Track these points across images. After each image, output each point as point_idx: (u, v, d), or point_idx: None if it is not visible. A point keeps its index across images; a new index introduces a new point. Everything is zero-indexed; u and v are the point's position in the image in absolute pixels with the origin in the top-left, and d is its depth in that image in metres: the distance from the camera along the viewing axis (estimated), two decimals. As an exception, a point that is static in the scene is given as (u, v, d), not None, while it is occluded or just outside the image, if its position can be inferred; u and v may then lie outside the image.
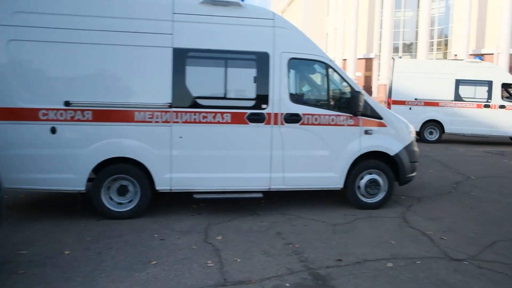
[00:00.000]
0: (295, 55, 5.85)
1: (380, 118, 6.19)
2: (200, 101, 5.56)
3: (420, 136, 15.40)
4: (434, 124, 15.45)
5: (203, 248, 4.58)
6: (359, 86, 6.19)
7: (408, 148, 6.36)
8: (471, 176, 8.97)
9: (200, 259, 4.26)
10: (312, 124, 5.90)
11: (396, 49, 36.64)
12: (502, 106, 14.93)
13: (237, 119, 5.64)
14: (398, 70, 16.02)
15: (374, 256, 4.46)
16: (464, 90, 15.19)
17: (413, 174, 6.58)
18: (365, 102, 6.05)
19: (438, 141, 15.32)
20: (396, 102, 15.86)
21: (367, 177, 6.22)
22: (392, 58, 17.32)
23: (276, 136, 5.77)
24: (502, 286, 3.84)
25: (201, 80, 5.64)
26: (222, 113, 5.59)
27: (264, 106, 5.71)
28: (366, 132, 6.12)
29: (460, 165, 10.33)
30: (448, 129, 15.43)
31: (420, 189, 7.67)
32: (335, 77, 6.24)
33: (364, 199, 6.25)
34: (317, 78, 6.65)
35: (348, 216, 5.90)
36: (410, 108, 15.63)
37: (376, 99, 6.75)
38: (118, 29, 5.32)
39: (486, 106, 15.02)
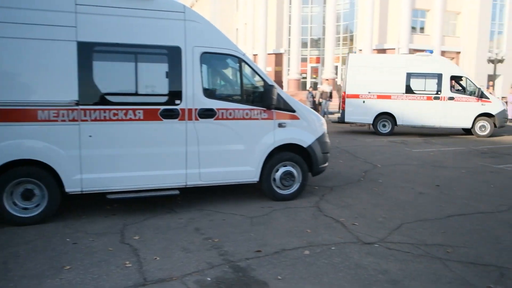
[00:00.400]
0: (207, 49, 5.91)
1: (293, 111, 6.45)
2: (110, 98, 5.43)
3: (374, 129, 16.45)
4: (387, 116, 16.21)
5: (120, 249, 4.51)
6: (271, 80, 6.40)
7: (320, 140, 6.70)
8: (378, 165, 9.65)
9: (118, 260, 4.20)
10: (227, 118, 6.01)
11: (304, 44, 38.00)
12: (451, 98, 15.69)
13: (150, 116, 5.59)
14: (352, 65, 16.79)
15: (291, 245, 4.68)
16: (415, 83, 15.98)
17: (326, 165, 6.95)
18: (278, 95, 6.26)
19: (391, 133, 16.16)
20: (350, 96, 16.61)
21: (282, 169, 6.47)
22: (348, 53, 18.12)
23: (191, 132, 5.81)
24: (409, 264, 4.22)
25: (110, 76, 5.51)
26: (134, 110, 5.51)
27: (177, 101, 5.72)
28: (280, 125, 6.35)
29: (367, 155, 11.06)
30: (400, 121, 16.18)
31: (332, 178, 8.12)
32: (248, 71, 6.40)
33: (279, 191, 6.49)
34: (230, 72, 6.77)
35: (265, 208, 6.11)
36: (363, 102, 16.40)
37: (287, 93, 7.02)
38: (15, 21, 5.01)
39: (436, 98, 15.77)
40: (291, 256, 4.38)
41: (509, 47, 36.45)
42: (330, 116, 22.97)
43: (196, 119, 5.82)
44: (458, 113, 15.75)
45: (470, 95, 15.83)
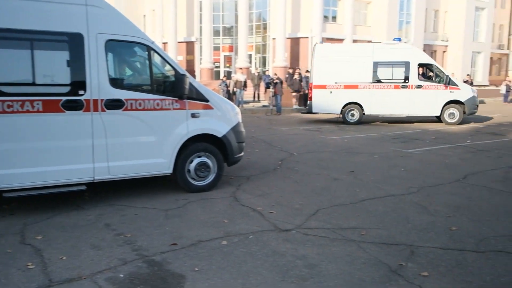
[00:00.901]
0: (113, 37, 5.73)
1: (207, 100, 6.47)
2: (3, 88, 5.11)
3: (342, 119, 16.66)
4: (355, 106, 16.42)
5: (20, 250, 4.28)
6: (183, 69, 6.36)
7: (235, 129, 6.78)
8: (294, 153, 9.96)
9: (18, 262, 3.98)
10: (136, 109, 5.89)
11: (217, 33, 37.95)
12: (419, 86, 15.81)
13: (50, 107, 5.33)
14: (319, 55, 16.87)
15: (208, 236, 4.72)
16: (382, 72, 16.10)
17: (241, 154, 7.06)
18: (190, 85, 6.24)
19: (359, 122, 16.41)
20: (317, 87, 16.73)
21: (196, 160, 6.48)
22: (315, 43, 17.96)
23: (97, 123, 5.62)
24: (325, 248, 4.43)
25: (4, 64, 5.18)
26: (31, 101, 5.22)
27: (81, 92, 5.50)
28: (193, 115, 6.34)
29: (283, 143, 11.37)
30: (368, 111, 16.41)
31: (248, 168, 8.26)
32: (158, 60, 6.30)
33: (194, 182, 6.50)
34: (139, 61, 6.63)
35: (180, 200, 6.09)
36: (331, 92, 16.54)
37: (200, 83, 7.07)
38: None
39: (404, 86, 15.92)
40: (208, 247, 4.42)
41: (416, 36, 39.05)
42: (245, 105, 23.27)
43: (103, 110, 5.64)
44: (426, 101, 15.87)
45: (439, 82, 15.91)
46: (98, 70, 5.59)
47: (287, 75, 23.95)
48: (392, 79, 16.02)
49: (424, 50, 41.02)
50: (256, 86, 26.93)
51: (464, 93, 16.00)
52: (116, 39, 5.78)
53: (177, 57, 36.01)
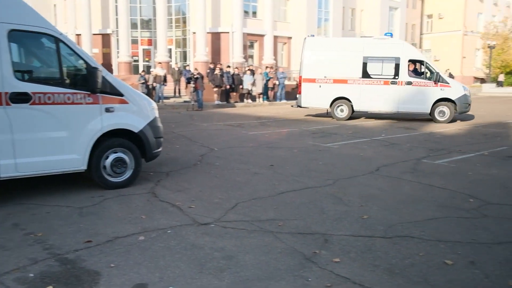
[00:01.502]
0: (16, 27, 5.50)
1: (121, 95, 6.38)
2: None
3: (331, 114, 16.68)
4: (344, 101, 16.45)
5: None
6: (96, 62, 6.23)
7: (152, 124, 6.75)
8: (215, 148, 10.06)
9: None
10: (45, 103, 5.70)
11: (134, 25, 37.14)
12: (408, 83, 15.71)
13: None
14: (308, 49, 16.77)
15: (125, 233, 4.70)
16: (371, 67, 16.06)
17: (159, 150, 7.04)
18: (104, 78, 6.12)
19: (349, 118, 16.51)
20: (307, 80, 16.73)
21: (112, 156, 6.39)
22: (305, 37, 17.74)
23: (2, 118, 5.39)
24: (243, 240, 4.57)
25: None
26: None
27: (-17, 84, 5.25)
28: (108, 110, 6.24)
29: (204, 139, 11.43)
30: (357, 106, 16.41)
31: (168, 164, 8.25)
32: (68, 52, 6.11)
33: (111, 179, 6.40)
34: (47, 53, 6.39)
35: (96, 197, 5.98)
36: (320, 86, 16.55)
37: (118, 77, 6.96)
38: None
39: (393, 83, 15.82)
40: (125, 243, 4.40)
41: (335, 33, 40.46)
42: (165, 101, 23.04)
43: (8, 104, 5.41)
44: (416, 98, 15.76)
45: (429, 79, 15.76)
46: (1, 62, 5.35)
47: (208, 70, 23.98)
48: (382, 75, 15.99)
49: (342, 47, 42.69)
50: (177, 81, 26.73)
51: (455, 91, 15.75)
52: (21, 29, 5.56)
53: (92, 50, 34.85)
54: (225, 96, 23.85)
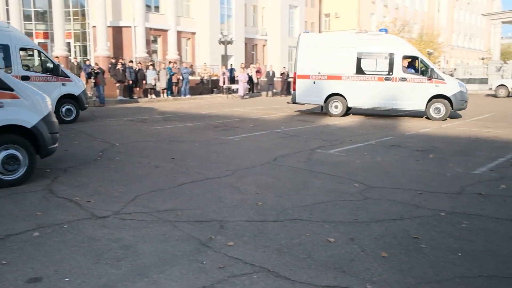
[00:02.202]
0: None
1: (11, 89, 6.14)
2: None
3: (325, 110, 16.57)
4: (338, 97, 16.19)
5: None
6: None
7: (46, 120, 6.55)
8: (116, 144, 9.93)
9: None
10: None
11: (28, 17, 35.05)
12: (403, 79, 15.34)
13: None
14: (303, 45, 16.45)
15: (18, 230, 4.58)
16: (365, 63, 15.76)
17: (55, 146, 6.85)
18: (-11, 72, 5.83)
19: (344, 115, 16.29)
20: (301, 77, 16.53)
21: (3, 153, 6.13)
22: (300, 33, 17.37)
23: None
24: (141, 230, 4.64)
25: None
26: None
27: None
28: (-4, 105, 5.97)
29: (106, 135, 11.22)
30: (351, 103, 16.18)
31: (66, 160, 8.04)
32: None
33: (3, 177, 6.15)
34: None
35: (-14, 196, 5.75)
36: (314, 82, 16.34)
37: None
38: None
39: (387, 79, 15.47)
40: (19, 240, 4.31)
41: (238, 30, 41.00)
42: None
43: None
44: (410, 95, 15.42)
45: (424, 75, 15.37)
46: None
47: (110, 65, 23.33)
48: (375, 71, 15.67)
49: (246, 44, 43.48)
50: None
51: (450, 88, 15.30)
52: None
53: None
54: (128, 91, 23.34)
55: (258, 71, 31.76)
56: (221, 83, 28.47)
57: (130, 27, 34.17)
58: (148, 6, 35.94)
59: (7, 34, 12.47)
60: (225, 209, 5.39)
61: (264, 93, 30.32)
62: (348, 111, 16.67)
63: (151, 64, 25.12)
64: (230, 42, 31.09)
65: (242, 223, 4.87)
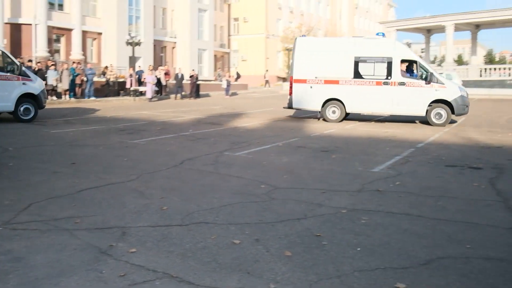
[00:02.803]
0: None
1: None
2: None
3: (323, 115, 16.04)
4: (336, 103, 15.61)
5: None
6: None
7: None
8: (9, 148, 9.23)
9: None
10: None
11: None
12: (401, 83, 14.84)
13: None
14: (299, 49, 15.94)
15: None
16: (363, 67, 15.21)
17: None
18: None
19: (341, 120, 15.68)
20: (298, 81, 15.90)
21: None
22: (296, 37, 16.75)
23: None
24: (35, 240, 4.30)
25: None
26: None
27: None
28: None
29: (-2, 139, 10.41)
30: (349, 108, 15.58)
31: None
32: None
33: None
34: None
35: None
36: (311, 87, 15.72)
37: None
38: None
39: (386, 83, 14.95)
40: None
41: (147, 31, 40.14)
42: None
43: None
44: (410, 100, 14.87)
45: (423, 79, 14.91)
46: None
47: (5, 65, 21.74)
48: (374, 75, 15.14)
49: (154, 46, 42.74)
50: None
51: (450, 92, 14.83)
52: None
53: None
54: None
55: (166, 73, 31.23)
56: (128, 85, 27.60)
57: (31, 24, 32.20)
58: (51, 4, 34.15)
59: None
60: (128, 215, 5.17)
61: (172, 96, 29.83)
62: (346, 117, 16.12)
63: (52, 64, 23.74)
64: (138, 44, 30.26)
65: (145, 229, 4.68)
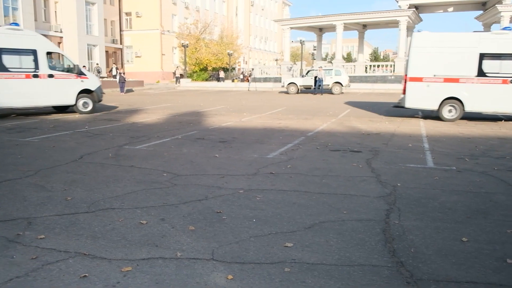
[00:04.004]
0: None
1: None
2: None
3: (439, 115, 15.35)
4: (454, 101, 15.01)
5: None
6: None
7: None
8: None
9: None
10: None
11: None
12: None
13: None
14: (416, 45, 15.19)
15: None
16: (487, 65, 14.43)
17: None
18: None
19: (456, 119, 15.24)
20: (413, 79, 15.28)
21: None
22: (413, 32, 15.31)
23: None
24: None
25: None
26: None
27: None
28: None
29: None
30: (469, 107, 14.91)
31: None
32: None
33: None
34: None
35: None
36: (428, 86, 15.10)
37: None
38: None
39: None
40: None
41: (27, 24, 38.00)
42: None
43: None
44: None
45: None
46: None
47: None
48: (499, 73, 14.46)
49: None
50: None
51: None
52: None
53: None
54: None
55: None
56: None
57: None
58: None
59: (34, 40, 15.49)
60: (31, 207, 5.32)
61: (63, 94, 28.78)
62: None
63: None
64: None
65: (52, 218, 4.90)
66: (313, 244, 4.12)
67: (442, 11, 49.29)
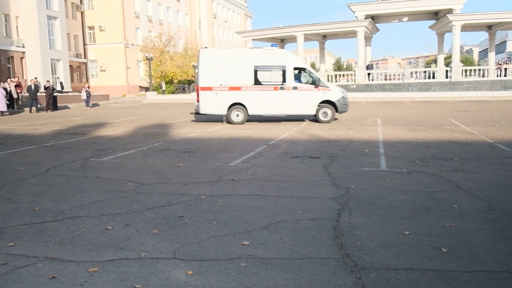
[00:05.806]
0: None
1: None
2: None
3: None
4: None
5: None
6: None
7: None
8: None
9: None
10: None
11: None
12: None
13: None
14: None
15: None
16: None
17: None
18: None
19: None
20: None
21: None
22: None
23: None
24: None
25: None
26: None
27: None
28: None
29: None
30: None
31: None
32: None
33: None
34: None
35: None
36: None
37: None
38: None
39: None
40: None
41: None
42: None
43: None
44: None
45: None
46: None
47: None
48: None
49: None
50: None
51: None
52: None
53: None
54: None
55: (18, 86, 29.68)
56: (-27, 100, 25.77)
57: None
58: None
59: (284, 57, 17.94)
60: (-1, 217, 5.47)
61: (27, 109, 28.45)
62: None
63: None
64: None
65: (20, 227, 5.07)
66: (268, 242, 4.44)
67: (397, 21, 50.77)
